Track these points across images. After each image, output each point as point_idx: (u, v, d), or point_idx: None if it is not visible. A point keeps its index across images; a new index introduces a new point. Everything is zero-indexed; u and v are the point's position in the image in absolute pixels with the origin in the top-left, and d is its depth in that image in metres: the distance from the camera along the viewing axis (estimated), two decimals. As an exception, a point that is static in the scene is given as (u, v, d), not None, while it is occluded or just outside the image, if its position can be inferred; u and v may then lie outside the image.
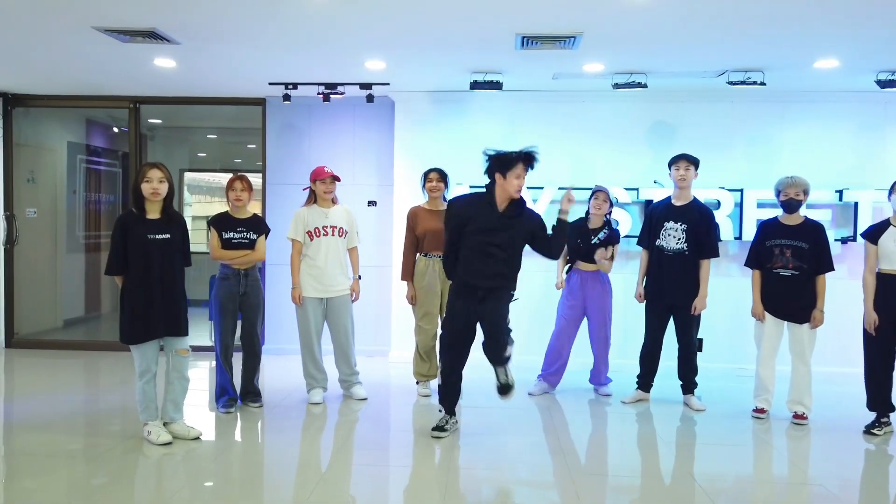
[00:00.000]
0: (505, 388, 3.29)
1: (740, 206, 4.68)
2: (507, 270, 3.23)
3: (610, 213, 4.15)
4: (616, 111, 4.86)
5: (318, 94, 4.66)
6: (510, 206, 3.21)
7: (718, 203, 4.70)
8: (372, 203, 5.23)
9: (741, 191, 4.69)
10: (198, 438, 3.26)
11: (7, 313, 5.44)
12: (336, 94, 4.65)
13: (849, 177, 4.68)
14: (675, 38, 3.50)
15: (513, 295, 3.32)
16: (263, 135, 5.26)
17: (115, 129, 6.76)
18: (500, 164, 3.13)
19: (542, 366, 4.26)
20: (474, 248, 3.19)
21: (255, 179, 3.80)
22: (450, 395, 3.42)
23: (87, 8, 3.15)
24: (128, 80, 4.68)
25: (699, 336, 4.70)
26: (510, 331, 3.28)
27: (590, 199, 4.12)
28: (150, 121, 6.71)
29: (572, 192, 3.37)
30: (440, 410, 3.48)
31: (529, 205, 4.67)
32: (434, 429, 3.38)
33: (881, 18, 3.13)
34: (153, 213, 3.18)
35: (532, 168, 3.21)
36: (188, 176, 8.37)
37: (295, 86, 4.62)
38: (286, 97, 4.69)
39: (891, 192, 3.51)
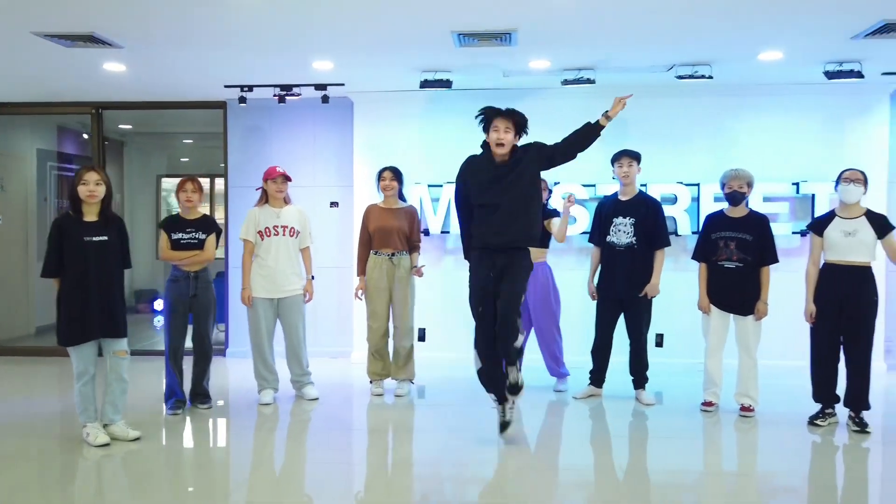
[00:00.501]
0: (513, 388, 3.08)
1: (697, 200, 4.68)
2: (518, 224, 3.06)
3: (547, 201, 4.17)
4: (572, 108, 4.80)
5: (274, 95, 4.69)
6: (507, 157, 3.12)
7: (676, 197, 4.70)
8: (334, 204, 5.25)
9: (698, 185, 4.69)
10: (137, 440, 3.27)
11: (-23, 320, 5.48)
12: (292, 95, 4.68)
13: (806, 169, 4.66)
14: (617, 34, 3.51)
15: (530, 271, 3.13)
16: (225, 138, 5.29)
17: (86, 136, 6.80)
18: (483, 124, 3.17)
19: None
20: (479, 205, 3.09)
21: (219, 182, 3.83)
22: (494, 378, 3.14)
23: (25, 13, 3.18)
24: (88, 85, 4.72)
25: (659, 331, 4.73)
26: (520, 320, 3.07)
27: None
28: (120, 126, 6.76)
29: None
30: (494, 404, 3.19)
31: None
32: (502, 426, 3.16)
33: (821, 8, 3.12)
34: (90, 215, 3.20)
35: (515, 121, 3.10)
36: (167, 182, 8.43)
37: (250, 88, 4.65)
38: (242, 99, 4.72)
39: (837, 184, 3.49)
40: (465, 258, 3.33)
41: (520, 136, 3.16)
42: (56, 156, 6.61)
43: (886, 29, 3.31)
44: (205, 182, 8.33)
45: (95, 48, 3.69)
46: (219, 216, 6.29)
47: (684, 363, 4.71)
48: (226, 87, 4.66)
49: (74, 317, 3.13)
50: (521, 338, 3.09)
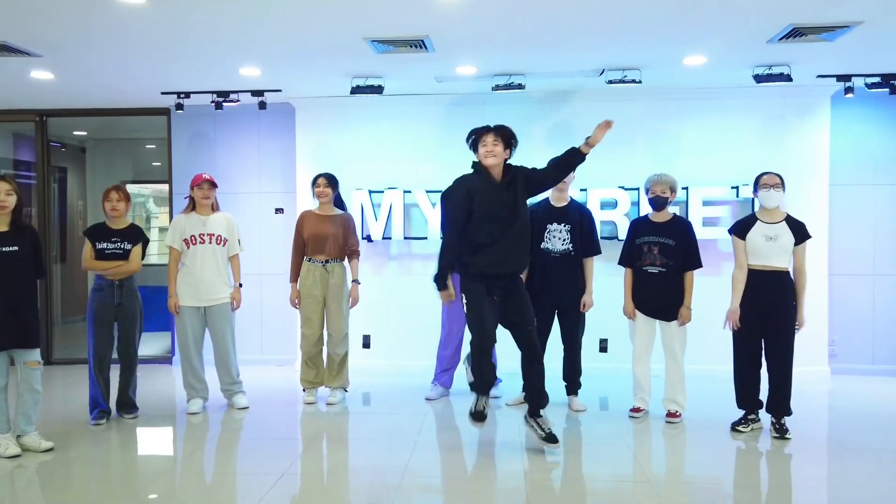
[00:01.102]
0: (550, 438, 3.13)
1: (638, 204, 4.66)
2: (518, 255, 3.10)
3: None
4: (507, 113, 4.79)
5: (211, 102, 4.67)
6: (504, 174, 3.11)
7: (616, 202, 4.68)
8: (279, 210, 5.23)
9: (638, 189, 4.66)
10: (50, 450, 3.24)
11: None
12: (230, 102, 4.67)
13: (746, 173, 4.58)
14: (538, 38, 3.50)
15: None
16: (169, 145, 5.28)
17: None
18: (471, 144, 3.17)
19: (434, 370, 4.24)
20: (488, 230, 3.02)
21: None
22: (487, 373, 3.19)
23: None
24: (29, 93, 4.70)
25: (604, 337, 4.70)
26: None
27: None
28: (76, 133, 6.74)
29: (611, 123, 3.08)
30: (476, 399, 3.21)
31: (428, 209, 4.76)
32: (474, 416, 3.18)
33: (732, 14, 3.12)
34: (1, 225, 3.18)
35: (502, 135, 3.10)
36: (132, 188, 8.40)
37: (188, 94, 4.63)
38: (179, 106, 4.71)
39: (755, 189, 3.48)
40: (437, 280, 3.18)
41: (509, 150, 3.13)
42: (12, 164, 6.59)
43: (796, 33, 3.30)
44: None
45: (15, 57, 3.68)
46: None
47: (628, 368, 4.67)
48: (162, 93, 4.65)
49: (-16, 328, 3.10)
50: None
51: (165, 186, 8.86)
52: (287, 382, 4.71)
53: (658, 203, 3.63)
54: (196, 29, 3.30)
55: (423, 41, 3.43)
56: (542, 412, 3.22)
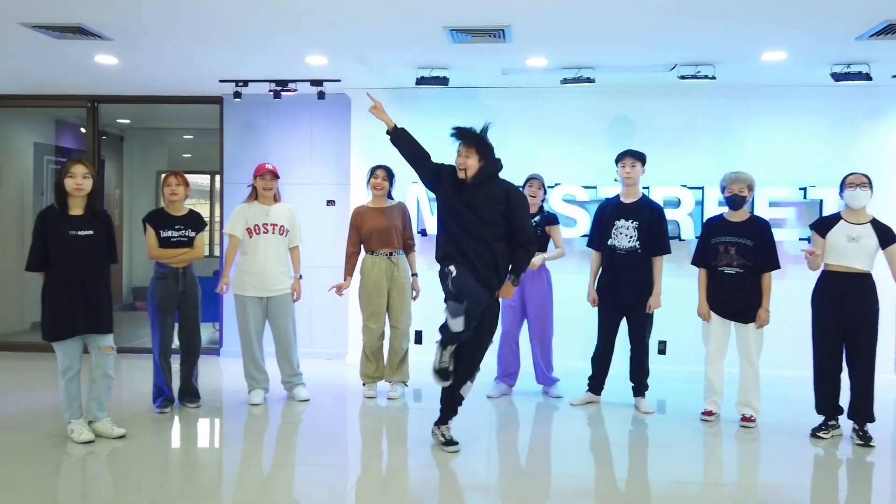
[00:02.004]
0: (450, 443, 3.11)
1: (702, 204, 4.57)
2: (495, 252, 2.96)
3: (544, 200, 4.11)
4: (574, 108, 4.77)
5: (269, 91, 4.62)
6: (475, 177, 3.00)
7: (679, 201, 4.59)
8: (331, 202, 5.18)
9: (702, 188, 4.58)
10: (122, 437, 3.21)
11: (-29, 315, 5.44)
12: (288, 91, 4.61)
13: (814, 174, 4.55)
14: (616, 32, 3.42)
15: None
16: (221, 133, 5.23)
17: (83, 130, 6.76)
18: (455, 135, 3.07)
19: (496, 368, 4.18)
20: (451, 222, 2.96)
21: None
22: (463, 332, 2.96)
23: (13, 4, 3.12)
24: (83, 79, 4.66)
25: (662, 338, 4.62)
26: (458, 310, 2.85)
27: (523, 186, 4.04)
28: (118, 121, 6.72)
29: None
30: (439, 426, 3.17)
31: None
32: (446, 444, 3.11)
33: (823, 8, 3.02)
34: (76, 209, 3.14)
35: (468, 141, 3.00)
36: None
37: (246, 83, 4.58)
38: (237, 94, 4.66)
39: (841, 189, 3.39)
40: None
41: (483, 160, 3.00)
42: (54, 150, 6.57)
43: (890, 30, 3.21)
44: (205, 178, 8.39)
45: (85, 40, 3.64)
46: (217, 214, 6.23)
47: (687, 371, 4.60)
48: (221, 81, 4.59)
49: (59, 312, 3.07)
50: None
51: (192, 177, 8.98)
52: (339, 376, 4.67)
53: (735, 202, 3.54)
54: (275, 17, 3.24)
55: (503, 31, 3.35)
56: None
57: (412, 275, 4.03)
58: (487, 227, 2.97)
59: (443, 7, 3.08)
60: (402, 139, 3.18)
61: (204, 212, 8.17)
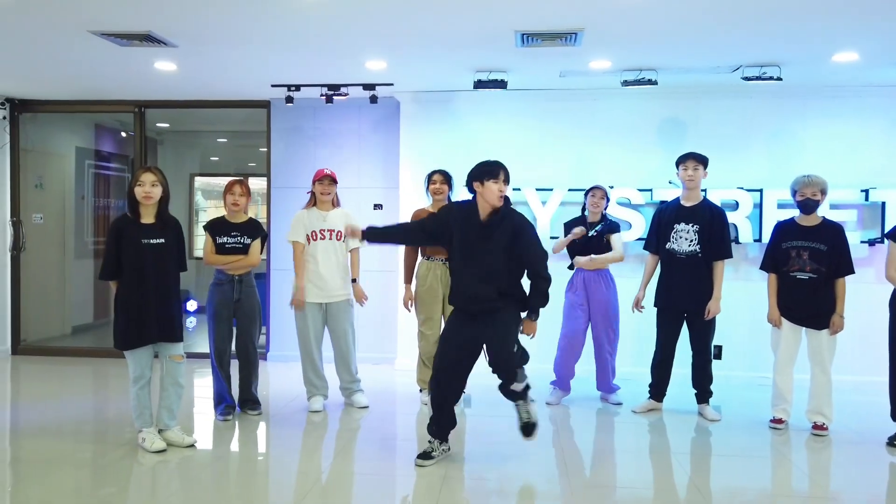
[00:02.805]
0: (527, 428, 3.00)
1: (760, 206, 4.50)
2: (500, 287, 2.88)
3: (606, 208, 4.07)
4: (628, 109, 4.71)
5: (321, 95, 4.60)
6: (491, 214, 2.91)
7: (737, 204, 4.52)
8: (378, 206, 5.15)
9: (760, 191, 4.51)
10: (192, 446, 3.20)
11: (14, 320, 5.45)
12: (339, 95, 4.59)
13: (876, 175, 4.46)
14: (684, 34, 3.37)
15: (520, 319, 2.95)
16: (268, 137, 5.22)
17: (124, 134, 6.78)
18: (481, 172, 2.91)
19: (554, 373, 4.14)
20: (460, 261, 2.93)
21: (261, 183, 3.70)
22: (444, 421, 3.07)
23: (83, 12, 3.12)
24: (132, 84, 4.67)
25: (717, 343, 4.54)
26: (522, 357, 2.95)
27: (586, 195, 4.01)
28: (157, 125, 6.73)
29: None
30: (430, 441, 3.11)
31: (537, 207, 4.65)
32: (419, 456, 3.05)
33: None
34: (147, 217, 3.13)
35: (507, 182, 2.90)
36: (199, 180, 8.40)
37: (298, 87, 4.56)
38: (289, 99, 4.64)
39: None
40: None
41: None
42: (94, 154, 6.60)
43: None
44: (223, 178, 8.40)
45: (150, 47, 3.63)
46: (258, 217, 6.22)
47: (744, 377, 4.55)
48: (272, 86, 4.58)
49: (132, 320, 3.06)
50: (522, 379, 2.96)
51: (216, 179, 8.97)
52: (389, 382, 4.64)
53: (808, 206, 3.48)
54: (343, 20, 3.21)
55: (575, 35, 3.31)
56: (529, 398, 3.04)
57: None
58: (497, 262, 2.89)
59: (517, 10, 3.04)
60: (376, 238, 3.18)
61: (220, 210, 8.18)
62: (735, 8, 2.98)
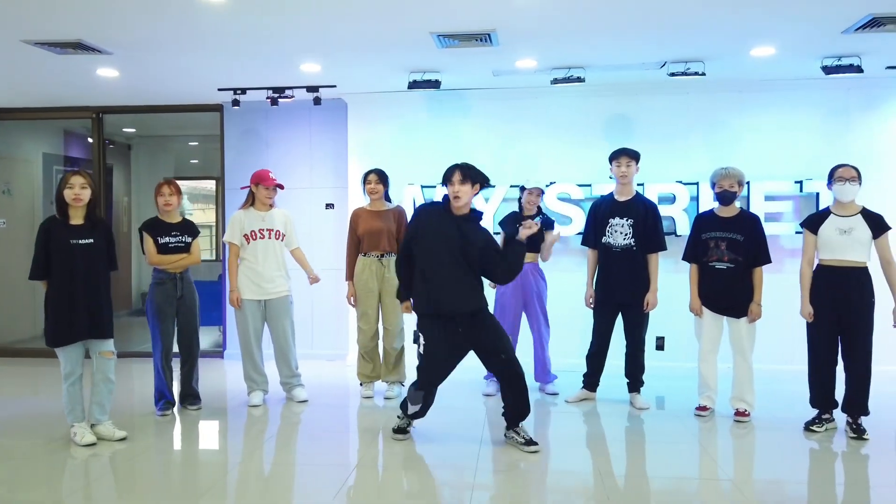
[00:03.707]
0: (531, 443, 3.14)
1: (696, 199, 4.57)
2: (476, 284, 3.10)
3: (541, 199, 4.16)
4: (566, 106, 4.80)
5: (267, 98, 4.71)
6: (464, 213, 3.14)
7: (674, 197, 4.60)
8: (329, 206, 5.26)
9: (697, 184, 4.58)
10: (124, 440, 3.30)
11: (-20, 322, 5.60)
12: (285, 98, 4.70)
13: (810, 167, 4.52)
14: (599, 31, 3.45)
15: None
16: (222, 140, 5.34)
17: (91, 140, 6.91)
18: (443, 178, 3.15)
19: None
20: (434, 262, 3.05)
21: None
22: (424, 405, 3.25)
23: (15, 22, 3.24)
24: (87, 90, 4.79)
25: (660, 335, 4.63)
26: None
27: (522, 192, 4.10)
28: (124, 130, 6.86)
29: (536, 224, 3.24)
30: (399, 416, 3.34)
31: (480, 204, 4.74)
32: (396, 430, 3.31)
33: (808, 1, 3.03)
34: (76, 218, 3.24)
35: (472, 180, 3.08)
36: (184, 185, 8.47)
37: (244, 91, 4.68)
38: (235, 102, 4.76)
39: (830, 182, 3.38)
40: (400, 297, 3.43)
41: (477, 187, 3.12)
42: (62, 160, 6.73)
43: (875, 23, 3.20)
44: (211, 184, 8.52)
45: (86, 55, 3.75)
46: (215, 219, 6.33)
47: (685, 367, 4.58)
48: (219, 90, 4.69)
49: (61, 318, 3.17)
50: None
51: (200, 183, 9.10)
52: (340, 377, 4.74)
53: (725, 198, 3.55)
54: (267, 27, 3.32)
55: (489, 35, 3.40)
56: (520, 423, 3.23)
57: None
58: (472, 257, 3.08)
59: (428, 13, 3.14)
60: (409, 290, 3.27)
61: (210, 217, 8.32)
62: (640, 4, 3.06)
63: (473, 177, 3.10)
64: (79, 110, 5.43)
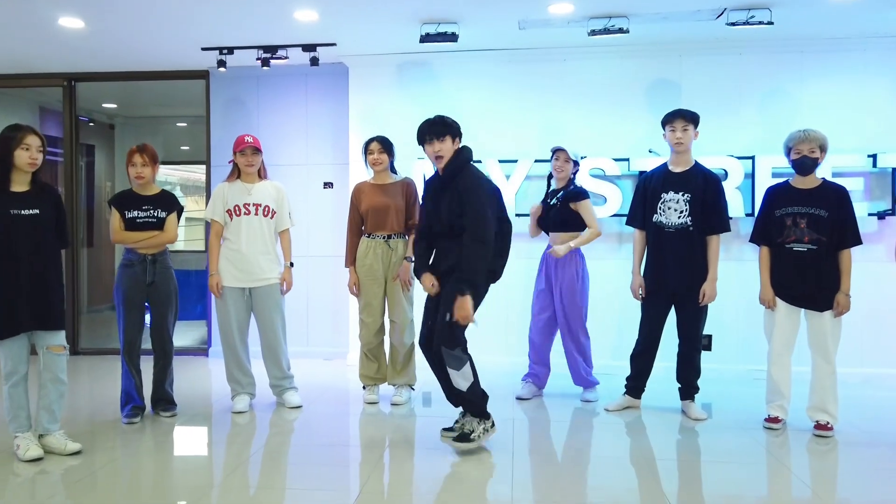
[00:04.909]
0: (460, 437, 2.75)
1: (752, 176, 3.98)
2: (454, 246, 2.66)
3: (575, 174, 3.57)
4: (600, 69, 4.20)
5: (258, 59, 4.13)
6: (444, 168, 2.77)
7: (726, 173, 4.00)
8: (328, 185, 4.67)
9: (752, 158, 3.99)
10: (77, 453, 2.72)
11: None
12: (277, 58, 4.12)
13: (885, 139, 3.93)
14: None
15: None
16: (207, 111, 4.76)
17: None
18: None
19: (527, 366, 3.67)
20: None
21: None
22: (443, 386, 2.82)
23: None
24: (57, 53, 4.23)
25: (707, 332, 4.03)
26: (461, 349, 2.66)
27: (551, 160, 3.53)
28: (105, 105, 6.30)
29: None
30: (462, 415, 2.82)
31: (501, 181, 4.16)
32: (458, 439, 2.77)
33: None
34: (20, 184, 2.67)
35: (438, 134, 2.72)
36: (178, 174, 7.95)
37: (231, 50, 4.09)
38: (221, 63, 4.18)
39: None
40: (416, 272, 2.91)
41: (455, 141, 2.78)
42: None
43: None
44: (202, 169, 8.00)
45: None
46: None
47: (736, 370, 4.03)
48: (203, 49, 4.11)
49: (0, 306, 2.59)
50: (459, 377, 2.67)
51: (193, 174, 8.54)
52: (339, 378, 4.15)
53: (805, 166, 2.96)
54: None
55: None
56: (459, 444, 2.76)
57: (406, 259, 3.43)
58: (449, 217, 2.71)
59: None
60: (421, 259, 2.92)
61: (201, 206, 7.78)
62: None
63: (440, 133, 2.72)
64: (48, 77, 4.85)
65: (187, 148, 8.17)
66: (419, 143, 2.80)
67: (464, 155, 2.77)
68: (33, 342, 2.71)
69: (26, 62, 4.51)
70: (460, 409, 2.85)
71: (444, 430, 2.85)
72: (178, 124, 7.43)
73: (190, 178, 8.36)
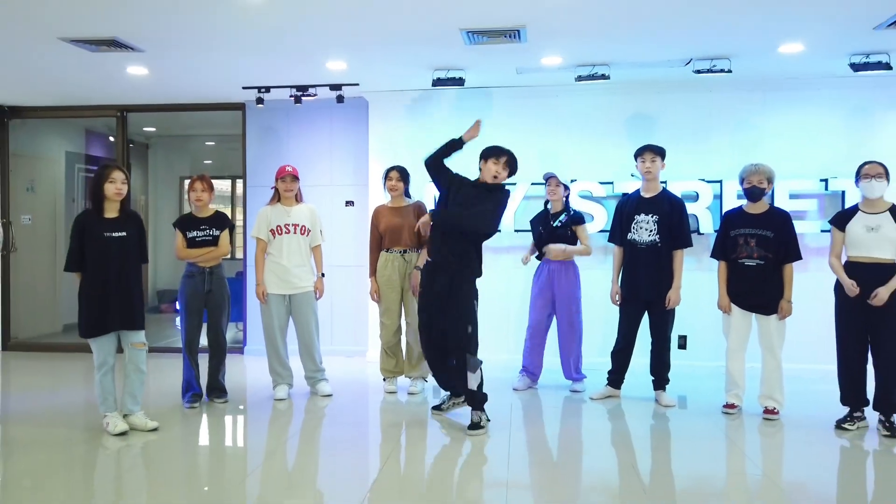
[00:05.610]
0: (472, 426, 3.31)
1: (720, 197, 4.56)
2: (469, 248, 3.32)
3: (567, 197, 4.16)
4: (588, 104, 4.81)
5: (291, 96, 4.75)
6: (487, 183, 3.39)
7: (697, 195, 4.59)
8: (349, 203, 5.28)
9: (720, 182, 4.57)
10: (155, 430, 3.33)
11: (4, 318, 5.65)
12: (308, 95, 4.73)
13: (836, 165, 4.50)
14: (628, 28, 3.46)
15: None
16: (244, 139, 5.38)
17: (112, 139, 6.99)
18: (487, 151, 3.43)
19: (522, 360, 4.24)
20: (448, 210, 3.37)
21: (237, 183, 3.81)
22: (442, 378, 3.55)
23: (51, 20, 3.29)
24: (112, 89, 4.85)
25: (682, 333, 4.61)
26: (473, 345, 3.34)
27: (545, 186, 4.12)
28: (144, 129, 6.93)
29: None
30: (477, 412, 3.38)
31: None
32: (470, 427, 3.33)
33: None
34: (111, 212, 3.28)
35: (512, 169, 3.39)
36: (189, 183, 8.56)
37: (268, 89, 4.71)
38: (259, 101, 4.79)
39: (857, 179, 3.37)
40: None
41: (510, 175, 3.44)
42: (84, 158, 6.81)
43: (909, 18, 3.19)
44: (226, 183, 8.60)
45: (118, 52, 3.80)
46: (239, 217, 6.39)
47: (708, 366, 4.58)
48: (244, 88, 4.74)
49: (94, 309, 3.21)
50: (475, 374, 3.30)
51: (216, 184, 9.14)
52: (360, 373, 4.75)
53: (754, 194, 3.54)
54: (298, 24, 3.36)
55: (518, 31, 3.42)
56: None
57: (416, 268, 3.96)
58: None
59: (459, 9, 3.16)
60: (438, 159, 3.56)
61: (226, 213, 8.36)
62: (668, 2, 3.07)
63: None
64: (104, 109, 5.49)
65: (210, 162, 8.81)
66: (489, 156, 3.41)
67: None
68: (120, 340, 3.34)
69: (84, 96, 5.12)
70: (448, 392, 3.60)
71: (434, 408, 3.63)
72: (207, 143, 8.06)
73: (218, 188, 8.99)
